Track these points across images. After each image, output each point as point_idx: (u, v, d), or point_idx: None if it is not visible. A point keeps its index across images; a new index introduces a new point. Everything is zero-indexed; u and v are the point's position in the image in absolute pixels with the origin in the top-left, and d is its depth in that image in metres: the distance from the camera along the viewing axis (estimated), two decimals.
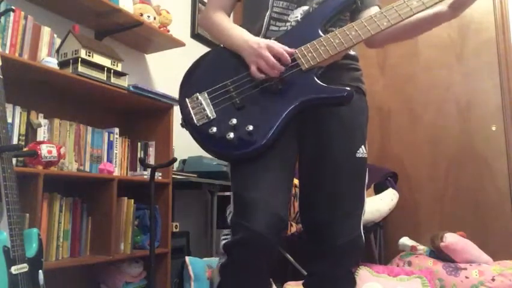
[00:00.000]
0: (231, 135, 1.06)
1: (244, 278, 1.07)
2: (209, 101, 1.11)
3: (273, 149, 1.07)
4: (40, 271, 1.36)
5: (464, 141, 2.73)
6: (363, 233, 1.17)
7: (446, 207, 2.72)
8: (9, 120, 1.72)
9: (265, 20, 1.19)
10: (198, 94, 1.12)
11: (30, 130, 1.82)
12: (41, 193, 1.63)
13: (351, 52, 1.23)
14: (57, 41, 1.95)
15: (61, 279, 1.90)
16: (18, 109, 1.77)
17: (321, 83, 1.07)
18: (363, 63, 1.29)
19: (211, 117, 1.09)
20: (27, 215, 1.60)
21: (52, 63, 1.79)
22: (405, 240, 2.48)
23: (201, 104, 1.11)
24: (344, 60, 1.19)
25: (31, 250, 1.35)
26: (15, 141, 1.74)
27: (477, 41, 2.77)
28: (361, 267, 2.21)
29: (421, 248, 2.39)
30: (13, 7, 1.71)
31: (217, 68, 1.17)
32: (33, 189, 1.61)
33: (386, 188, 2.51)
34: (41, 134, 1.85)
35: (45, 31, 1.87)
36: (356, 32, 1.07)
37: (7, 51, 1.69)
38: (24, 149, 1.67)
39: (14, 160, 1.41)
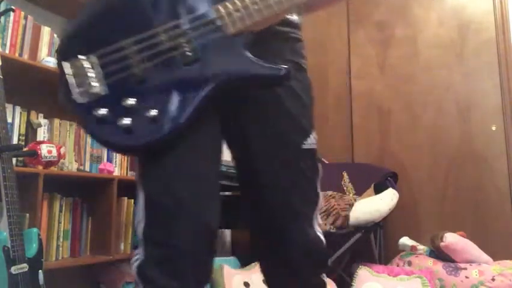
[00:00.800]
0: (126, 121, 0.77)
1: None
2: (99, 68, 0.79)
3: (190, 138, 0.81)
4: (40, 271, 1.36)
5: (464, 141, 2.73)
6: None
7: (446, 207, 2.72)
8: (9, 120, 1.72)
9: None
10: (83, 57, 0.79)
11: (30, 130, 1.82)
12: (41, 193, 1.63)
13: (292, 17, 0.97)
14: (57, 41, 1.96)
15: (61, 279, 1.90)
16: (18, 109, 1.77)
17: (250, 56, 0.81)
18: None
19: (101, 93, 0.78)
20: (27, 215, 1.60)
21: (52, 63, 1.79)
22: (405, 240, 2.47)
23: (87, 71, 0.79)
24: (282, 27, 0.94)
25: (31, 250, 1.35)
26: (15, 141, 1.74)
27: (477, 41, 2.77)
28: (361, 267, 2.21)
29: (421, 248, 2.39)
30: (13, 7, 1.71)
31: (115, 20, 0.83)
32: (33, 189, 1.61)
33: (386, 188, 2.50)
34: (41, 134, 1.85)
35: (45, 31, 1.87)
36: None
37: (7, 51, 1.69)
38: (24, 149, 1.67)
39: (14, 160, 1.41)
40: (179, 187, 0.81)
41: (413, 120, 2.91)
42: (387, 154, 2.95)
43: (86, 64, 0.79)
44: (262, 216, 0.95)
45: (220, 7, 0.81)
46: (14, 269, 1.26)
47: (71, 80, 0.79)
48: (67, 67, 0.79)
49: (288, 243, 0.93)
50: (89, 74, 0.79)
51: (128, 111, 0.78)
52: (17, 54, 1.73)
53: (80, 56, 0.79)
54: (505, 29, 2.69)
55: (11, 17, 1.72)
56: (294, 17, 0.98)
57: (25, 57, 1.75)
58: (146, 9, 0.83)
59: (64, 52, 0.81)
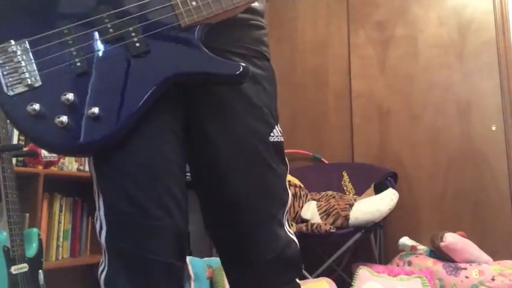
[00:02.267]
0: (63, 118, 0.67)
1: None
2: (31, 55, 0.69)
3: (145, 130, 0.74)
4: (40, 271, 1.37)
5: (464, 141, 2.73)
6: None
7: (446, 207, 2.72)
8: None
9: None
10: (12, 42, 0.69)
11: None
12: (41, 193, 1.63)
13: (254, 4, 0.87)
14: None
15: (61, 279, 1.90)
16: None
17: (206, 51, 0.73)
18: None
19: (34, 84, 0.69)
20: (27, 215, 1.61)
21: None
22: (405, 240, 2.48)
23: (18, 58, 0.68)
24: (242, 13, 0.83)
25: (31, 250, 1.36)
26: (15, 141, 1.74)
27: (477, 41, 2.77)
28: (361, 267, 2.21)
29: (421, 248, 2.39)
30: None
31: (54, 0, 0.72)
32: (33, 189, 1.62)
33: (386, 188, 2.50)
34: None
35: None
36: None
37: None
38: (24, 149, 1.68)
39: (14, 160, 1.41)
40: (139, 190, 0.73)
41: (413, 120, 2.91)
42: (387, 154, 2.95)
43: (17, 50, 0.69)
44: (226, 220, 0.86)
45: None
46: (14, 269, 1.26)
47: (0, 69, 0.68)
48: None
49: (257, 247, 0.84)
50: (20, 63, 0.68)
51: (65, 108, 0.68)
52: None
53: (10, 41, 0.69)
54: (505, 29, 2.69)
55: None
56: (256, 4, 0.88)
57: None
58: None
59: None
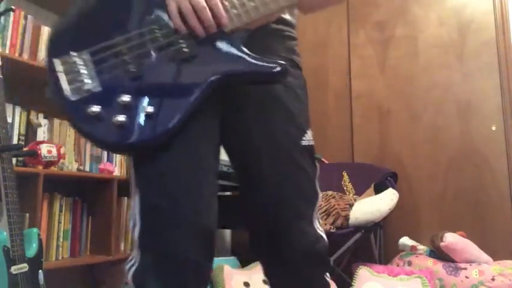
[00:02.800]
0: (121, 118, 0.74)
1: None
2: (92, 64, 0.77)
3: (186, 136, 0.79)
4: (40, 271, 1.36)
5: (464, 141, 2.73)
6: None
7: (446, 207, 2.72)
8: (9, 120, 1.72)
9: None
10: (75, 53, 0.77)
11: (30, 130, 1.82)
12: (41, 193, 1.63)
13: (286, 16, 0.97)
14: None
15: (61, 279, 1.90)
16: (18, 109, 1.77)
17: (248, 52, 0.80)
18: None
19: (94, 90, 0.76)
20: (27, 215, 1.61)
21: None
22: (405, 240, 2.47)
23: (79, 68, 0.76)
24: (277, 25, 0.94)
25: (31, 250, 1.36)
26: (15, 141, 1.74)
27: (477, 41, 2.77)
28: (361, 267, 2.21)
29: (421, 248, 2.39)
30: (13, 7, 1.71)
31: (109, 16, 0.81)
32: (33, 189, 1.61)
33: (386, 188, 2.50)
34: (41, 134, 1.85)
35: (45, 31, 1.87)
36: None
37: (7, 51, 1.69)
38: (24, 149, 1.67)
39: (14, 160, 1.41)
40: (175, 189, 0.78)
41: (413, 120, 2.91)
42: (387, 154, 2.95)
43: (79, 61, 0.77)
44: (261, 216, 0.93)
45: None
46: (14, 269, 1.26)
47: (63, 77, 0.76)
48: (58, 64, 0.76)
49: (288, 243, 0.90)
50: (81, 71, 0.76)
51: (122, 108, 0.75)
52: (17, 54, 1.73)
53: (71, 53, 0.77)
54: (505, 29, 2.69)
55: (11, 17, 1.72)
56: (288, 16, 0.98)
57: (25, 57, 1.75)
58: (141, 5, 0.81)
59: (54, 49, 0.79)
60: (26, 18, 1.78)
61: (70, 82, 0.76)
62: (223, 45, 0.80)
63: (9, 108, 1.72)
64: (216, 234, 0.84)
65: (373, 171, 2.66)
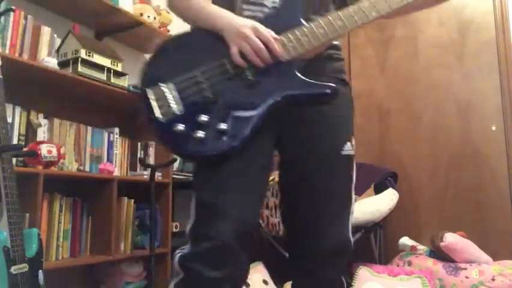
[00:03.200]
0: (200, 134, 0.93)
1: None
2: (176, 93, 0.97)
3: (245, 149, 0.96)
4: (40, 271, 1.37)
5: (464, 141, 2.73)
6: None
7: (446, 207, 2.72)
8: (9, 120, 1.72)
9: (238, 1, 1.06)
10: (162, 84, 0.97)
11: (30, 130, 1.82)
12: (41, 193, 1.63)
13: (334, 41, 1.12)
14: (58, 41, 1.95)
15: (61, 279, 1.90)
16: (18, 109, 1.77)
17: (302, 78, 0.97)
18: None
19: (178, 112, 0.95)
20: (27, 215, 1.60)
21: (52, 63, 1.79)
22: (405, 240, 2.48)
23: (166, 95, 0.96)
24: (327, 49, 1.10)
25: (31, 250, 1.36)
26: (15, 141, 1.74)
27: (477, 41, 2.77)
28: (361, 267, 2.21)
29: (421, 248, 2.39)
30: (13, 7, 1.71)
31: (187, 54, 1.02)
32: (33, 189, 1.61)
33: (386, 188, 2.50)
34: (41, 134, 1.85)
35: (45, 31, 1.87)
36: (343, 23, 0.97)
37: (7, 51, 1.69)
38: (24, 149, 1.67)
39: (14, 160, 1.41)
40: (227, 191, 0.95)
41: (413, 120, 2.91)
42: (387, 154, 2.95)
43: (166, 90, 0.97)
44: (301, 215, 1.06)
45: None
46: (14, 269, 1.26)
47: (154, 103, 0.96)
48: (150, 93, 0.97)
49: (323, 240, 1.03)
50: (168, 98, 0.96)
51: (201, 126, 0.94)
52: (17, 54, 1.73)
53: (160, 84, 0.97)
54: (505, 29, 2.69)
55: (11, 17, 1.72)
56: (335, 41, 1.13)
57: (25, 57, 1.75)
58: (213, 45, 1.00)
59: (146, 81, 0.99)
60: (26, 18, 1.78)
61: (159, 107, 0.96)
62: (281, 73, 0.97)
63: (9, 108, 1.71)
64: (253, 230, 1.00)
65: (373, 171, 2.66)
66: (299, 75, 0.97)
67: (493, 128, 2.65)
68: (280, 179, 1.12)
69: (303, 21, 0.99)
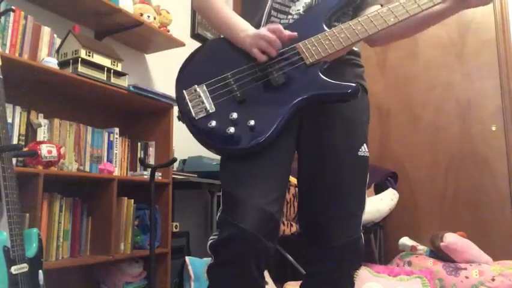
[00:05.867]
0: (231, 129, 1.02)
1: (232, 279, 1.01)
2: (208, 93, 1.07)
3: (270, 146, 1.02)
4: (40, 271, 1.36)
5: (464, 141, 2.73)
6: (363, 233, 1.15)
7: (446, 207, 2.72)
8: (9, 120, 1.72)
9: (266, 11, 1.15)
10: (196, 86, 1.08)
11: (30, 130, 1.82)
12: (41, 193, 1.63)
13: (355, 48, 1.20)
14: (58, 41, 1.95)
15: (61, 279, 1.90)
16: (18, 109, 1.77)
17: (325, 78, 1.04)
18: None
19: (210, 111, 1.05)
20: (27, 215, 1.60)
21: (52, 63, 1.79)
22: (405, 240, 2.48)
23: (200, 96, 1.07)
24: (348, 55, 1.17)
25: (31, 250, 1.35)
26: (15, 141, 1.74)
27: (477, 41, 2.77)
28: (361, 267, 2.21)
29: (421, 248, 2.39)
30: (13, 7, 1.71)
31: (217, 59, 1.12)
32: (33, 189, 1.61)
33: (386, 188, 2.51)
34: (41, 134, 1.85)
35: (45, 31, 1.87)
36: (362, 27, 1.04)
37: (7, 51, 1.69)
38: (24, 149, 1.67)
39: (14, 160, 1.41)
40: (252, 184, 1.01)
41: (413, 120, 2.91)
42: (387, 154, 2.95)
43: (200, 91, 1.07)
44: (317, 213, 1.13)
45: (300, 44, 1.06)
46: (14, 269, 1.26)
47: (189, 103, 1.07)
48: (186, 94, 1.08)
49: (339, 237, 1.09)
50: (202, 98, 1.07)
51: (233, 122, 1.02)
52: (17, 54, 1.73)
53: (194, 86, 1.08)
54: (505, 29, 2.69)
55: (11, 17, 1.72)
56: (356, 48, 1.21)
57: (25, 57, 1.75)
58: (241, 49, 1.09)
59: (182, 83, 1.10)
60: (26, 18, 1.78)
61: (194, 106, 1.06)
62: (306, 74, 1.05)
63: (9, 108, 1.71)
64: (278, 225, 1.06)
65: (373, 172, 2.65)
66: (323, 76, 1.04)
67: (493, 128, 2.65)
68: (297, 177, 1.19)
69: (325, 27, 1.07)
